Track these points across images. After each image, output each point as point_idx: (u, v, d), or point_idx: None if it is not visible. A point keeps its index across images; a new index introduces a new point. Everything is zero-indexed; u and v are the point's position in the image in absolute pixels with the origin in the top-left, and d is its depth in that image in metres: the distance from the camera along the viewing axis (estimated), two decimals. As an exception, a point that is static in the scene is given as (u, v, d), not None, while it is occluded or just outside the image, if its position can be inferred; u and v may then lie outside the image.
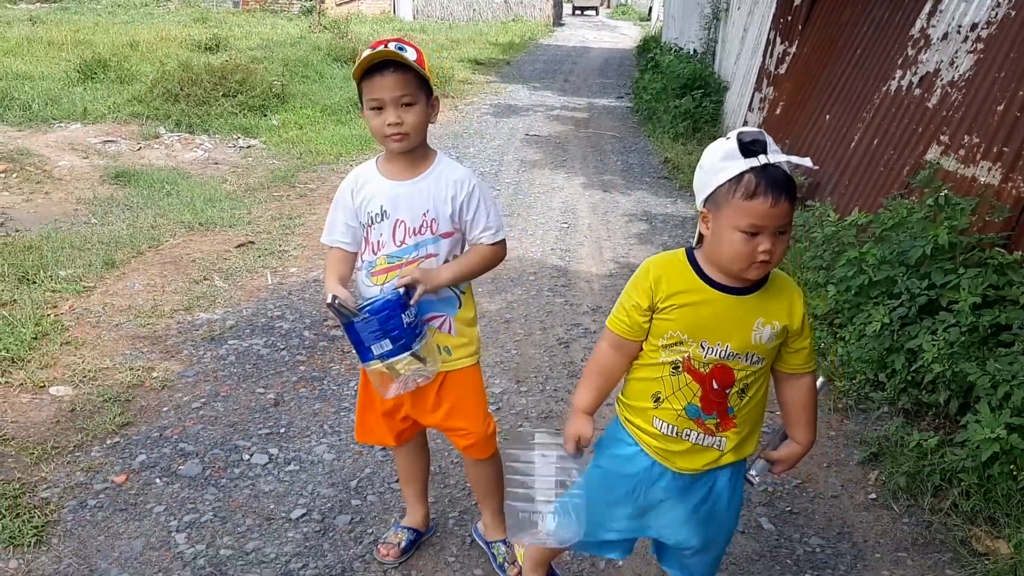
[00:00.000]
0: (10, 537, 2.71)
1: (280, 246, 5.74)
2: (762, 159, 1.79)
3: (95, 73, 11.48)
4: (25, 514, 2.82)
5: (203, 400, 3.68)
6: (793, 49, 8.74)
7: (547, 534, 2.14)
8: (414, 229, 2.37)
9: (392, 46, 2.23)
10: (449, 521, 2.93)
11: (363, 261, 2.45)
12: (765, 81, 9.25)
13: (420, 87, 2.28)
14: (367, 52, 2.23)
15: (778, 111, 8.61)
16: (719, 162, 1.86)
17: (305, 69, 13.15)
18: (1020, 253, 3.87)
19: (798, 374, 2.03)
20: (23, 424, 3.41)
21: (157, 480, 3.09)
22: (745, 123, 9.60)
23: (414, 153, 2.38)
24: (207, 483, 3.08)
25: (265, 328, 4.43)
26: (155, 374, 3.88)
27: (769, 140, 1.83)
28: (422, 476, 2.77)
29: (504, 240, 2.48)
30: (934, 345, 3.44)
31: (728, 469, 2.07)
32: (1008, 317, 3.43)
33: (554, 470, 2.19)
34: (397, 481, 3.10)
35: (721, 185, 1.83)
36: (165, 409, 3.59)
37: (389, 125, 2.26)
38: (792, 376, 2.04)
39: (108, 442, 3.32)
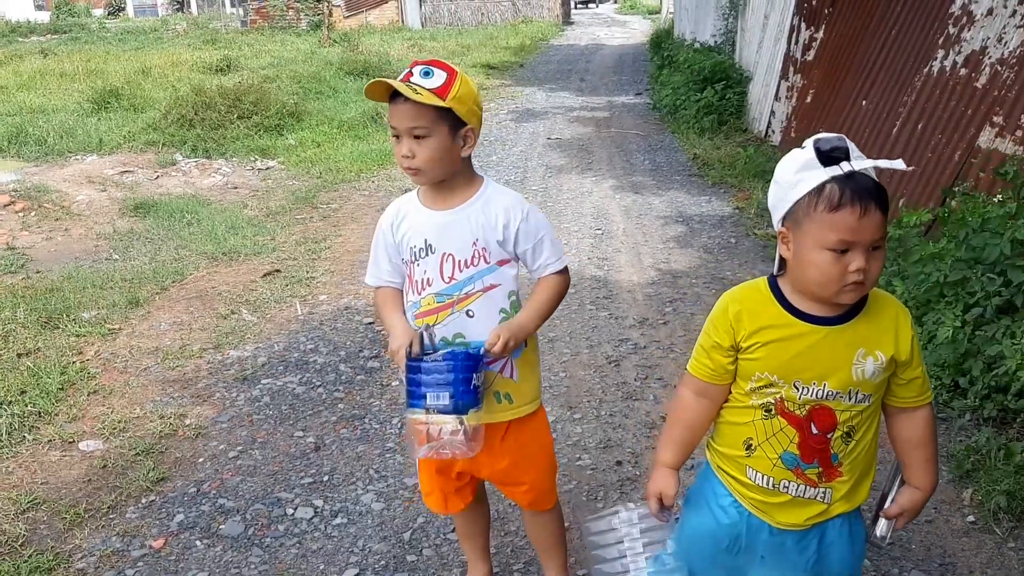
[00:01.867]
0: (45, 619, 2.52)
1: (307, 273, 5.55)
2: (845, 167, 1.57)
3: (108, 103, 11.39)
4: (60, 590, 2.63)
5: (240, 448, 3.47)
6: (820, 34, 8.46)
7: None
8: (464, 261, 2.14)
9: (417, 71, 2.02)
10: (514, 574, 2.70)
11: (407, 303, 2.23)
12: (791, 69, 8.97)
13: (438, 118, 2.03)
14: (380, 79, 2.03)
15: (808, 99, 8.34)
16: (796, 174, 1.63)
17: (318, 85, 13.01)
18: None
19: (911, 408, 1.77)
20: (54, 485, 3.22)
21: (197, 543, 2.88)
22: (772, 113, 9.33)
23: (454, 181, 2.15)
24: (251, 543, 2.87)
25: (299, 364, 4.22)
26: (188, 421, 3.69)
27: (851, 146, 1.60)
28: (483, 531, 2.54)
29: (567, 266, 2.25)
30: (1017, 351, 3.18)
31: (838, 521, 1.80)
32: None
33: (640, 537, 1.96)
34: (452, 531, 2.89)
35: (800, 199, 1.61)
36: (201, 460, 3.39)
37: (403, 157, 2.05)
38: (905, 411, 1.77)
39: (143, 501, 3.12)
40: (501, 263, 2.16)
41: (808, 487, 1.76)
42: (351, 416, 3.71)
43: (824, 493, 1.76)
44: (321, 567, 2.75)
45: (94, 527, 2.97)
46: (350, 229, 6.54)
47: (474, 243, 2.14)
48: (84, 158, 8.98)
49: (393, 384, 3.97)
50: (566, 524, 2.62)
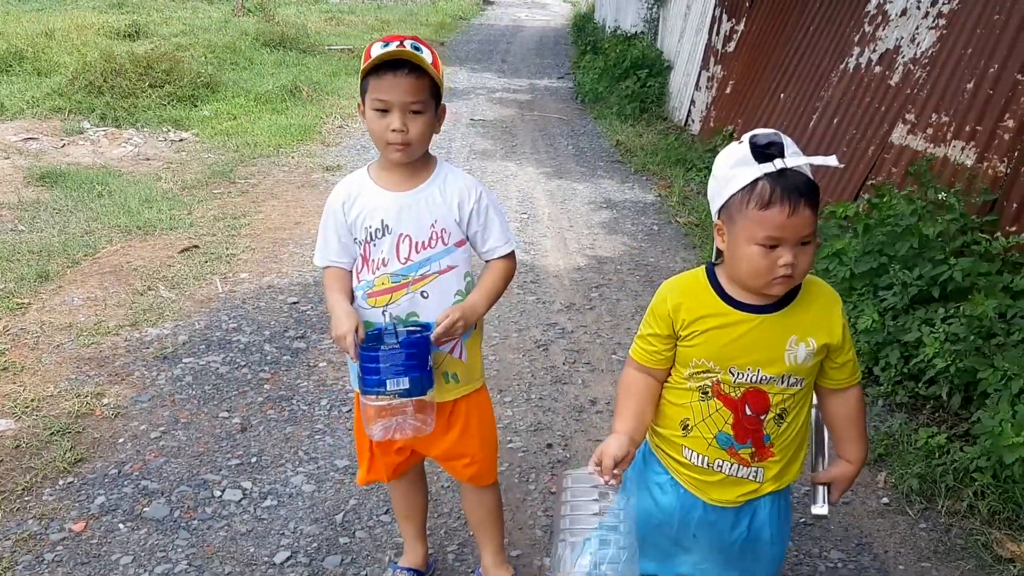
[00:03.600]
0: (-42, 606, 2.41)
1: (227, 249, 5.40)
2: (778, 163, 1.61)
3: (10, 66, 10.81)
4: (-26, 576, 2.52)
5: (162, 429, 3.37)
6: (741, 27, 8.64)
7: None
8: (421, 243, 2.13)
9: (409, 44, 1.99)
10: (449, 556, 2.71)
11: (358, 281, 2.20)
12: (712, 60, 9.14)
13: (432, 95, 2.05)
14: (380, 46, 1.99)
15: (728, 90, 8.51)
16: (730, 169, 1.68)
17: (233, 55, 12.62)
18: (1005, 239, 3.78)
19: (844, 388, 1.85)
20: (-38, 467, 3.08)
21: (120, 525, 2.79)
22: (692, 103, 9.50)
23: (415, 161, 2.14)
24: (177, 526, 2.80)
25: (222, 343, 4.12)
26: (106, 400, 3.56)
27: (787, 142, 1.64)
28: (421, 511, 2.54)
29: (514, 251, 2.26)
30: (935, 339, 3.33)
31: (768, 499, 1.87)
32: (1006, 307, 3.34)
33: (591, 502, 1.97)
34: (386, 513, 2.88)
35: (734, 195, 1.66)
36: (121, 441, 3.29)
37: (393, 131, 2.02)
38: (837, 391, 1.86)
39: (61, 483, 3.01)
40: (458, 244, 2.17)
41: (741, 466, 1.82)
42: (278, 397, 3.64)
43: (756, 472, 1.82)
44: (252, 550, 2.70)
45: (8, 510, 2.85)
46: (270, 205, 6.39)
47: (432, 225, 2.14)
48: (-17, 123, 8.52)
49: (320, 365, 3.91)
50: (503, 502, 2.63)
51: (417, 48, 2.02)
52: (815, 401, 1.91)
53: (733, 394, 1.77)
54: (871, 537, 2.86)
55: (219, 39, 13.82)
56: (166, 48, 11.58)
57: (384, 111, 2.04)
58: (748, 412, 1.78)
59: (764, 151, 1.62)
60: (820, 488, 1.92)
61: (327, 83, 11.34)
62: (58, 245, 5.29)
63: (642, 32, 12.71)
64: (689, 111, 9.55)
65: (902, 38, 5.66)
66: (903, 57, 5.58)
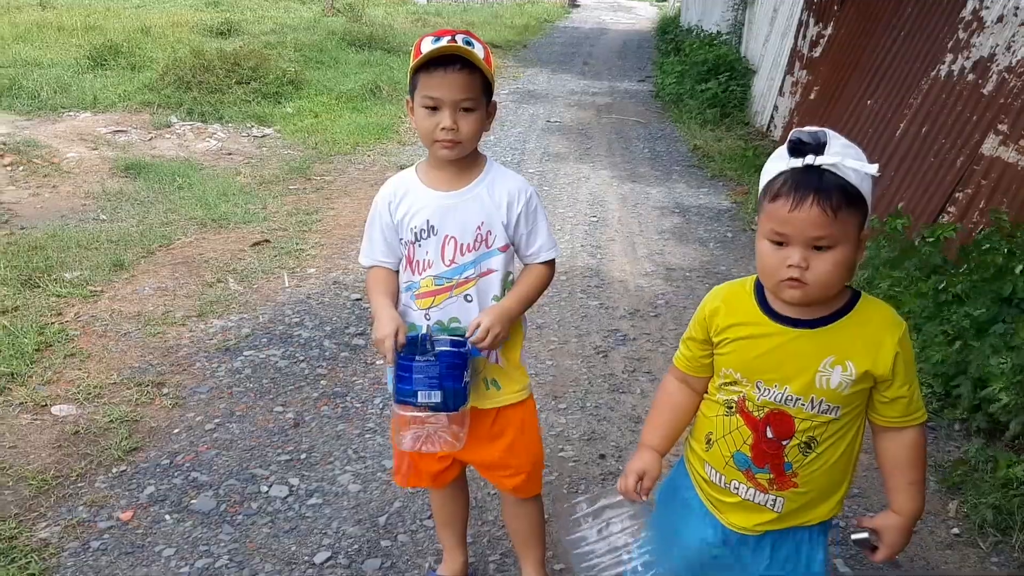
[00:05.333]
0: (5, 588, 2.46)
1: (297, 244, 5.46)
2: (808, 160, 1.50)
3: (106, 60, 11.21)
4: (22, 559, 2.56)
5: (217, 420, 3.40)
6: (828, 31, 8.37)
7: None
8: (467, 245, 2.08)
9: (460, 39, 1.94)
10: (490, 566, 2.64)
11: (405, 282, 2.16)
12: (797, 64, 8.88)
13: (483, 91, 2.00)
14: (430, 41, 1.94)
15: (812, 96, 8.25)
16: (771, 163, 1.60)
17: (320, 54, 12.82)
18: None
19: (895, 428, 1.67)
20: (22, 450, 3.15)
21: (167, 516, 2.82)
22: (775, 108, 9.25)
23: (463, 160, 2.09)
24: (222, 520, 2.81)
25: (283, 337, 4.15)
26: (165, 390, 3.62)
27: (832, 140, 1.51)
28: (462, 519, 2.48)
29: (555, 259, 2.19)
30: (1002, 372, 3.11)
31: (791, 538, 1.74)
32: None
33: (620, 528, 1.90)
34: (429, 517, 2.83)
35: (764, 187, 1.58)
36: (176, 431, 3.32)
37: (443, 129, 1.97)
38: (889, 431, 1.68)
39: (114, 471, 3.05)
40: (502, 249, 2.12)
41: (758, 492, 1.71)
42: (333, 393, 3.64)
43: (775, 501, 1.70)
44: (292, 548, 2.69)
45: (61, 495, 2.90)
46: (343, 203, 6.44)
47: (478, 227, 2.08)
48: (77, 115, 8.82)
49: (377, 363, 3.90)
50: (545, 516, 2.56)
51: (469, 43, 1.97)
52: None
53: (756, 414, 1.67)
54: (937, 569, 2.69)
55: (307, 38, 14.07)
56: (255, 46, 11.84)
57: (434, 108, 1.99)
58: (769, 435, 1.67)
59: (796, 146, 1.52)
60: (865, 533, 1.74)
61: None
62: (136, 235, 5.42)
63: (726, 35, 12.46)
64: (772, 116, 9.31)
65: (997, 45, 5.38)
66: (998, 65, 5.30)
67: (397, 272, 2.19)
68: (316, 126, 8.99)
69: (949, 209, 4.97)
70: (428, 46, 1.96)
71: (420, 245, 2.10)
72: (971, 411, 3.39)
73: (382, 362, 3.81)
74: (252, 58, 10.51)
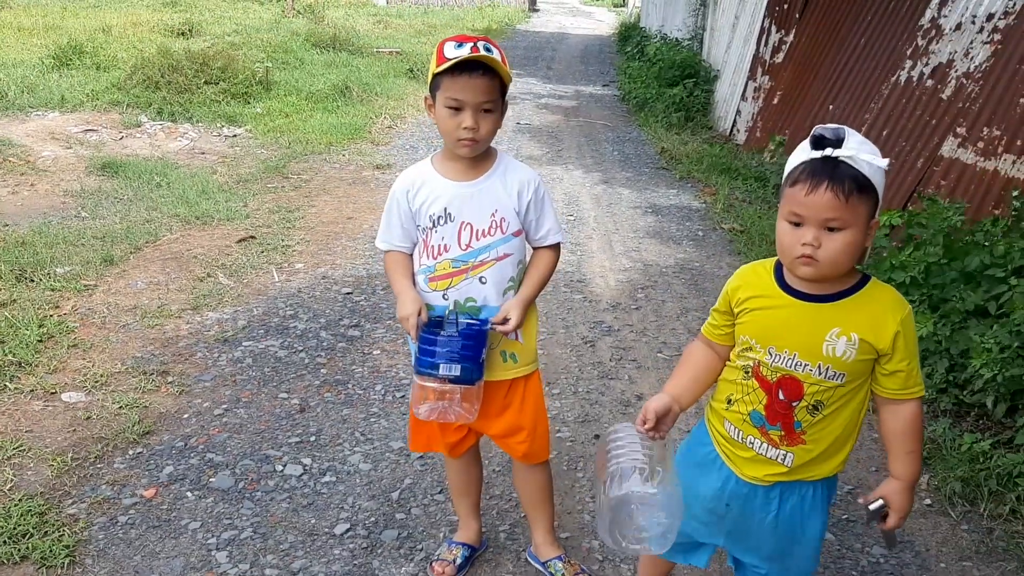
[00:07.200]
0: (42, 558, 2.55)
1: (282, 241, 5.56)
2: (829, 152, 1.69)
3: (70, 60, 11.13)
4: (54, 532, 2.66)
5: (225, 406, 3.52)
6: (790, 38, 8.68)
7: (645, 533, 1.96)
8: (482, 231, 2.26)
9: (481, 47, 2.11)
10: (500, 535, 2.81)
11: (420, 266, 2.33)
12: (760, 70, 9.18)
13: (501, 94, 2.19)
14: (453, 46, 2.10)
15: (775, 101, 8.55)
16: (794, 155, 1.79)
17: (285, 55, 12.87)
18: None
19: (895, 400, 1.84)
20: (38, 434, 3.24)
21: (188, 494, 2.93)
22: (738, 113, 9.54)
23: (480, 153, 2.27)
24: (241, 496, 2.93)
25: (279, 329, 4.26)
26: (170, 378, 3.71)
27: (850, 137, 1.70)
28: (476, 489, 2.65)
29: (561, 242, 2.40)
30: (984, 349, 3.35)
31: (798, 491, 1.93)
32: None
33: (638, 443, 2.03)
34: (440, 492, 2.99)
35: (786, 175, 1.78)
36: (186, 416, 3.43)
37: (465, 129, 2.15)
38: (889, 401, 1.85)
39: (131, 452, 3.16)
40: (515, 234, 2.29)
41: (770, 446, 1.89)
42: (334, 381, 3.77)
43: (785, 456, 1.88)
44: (312, 521, 2.82)
45: (82, 475, 3.00)
46: (323, 200, 6.54)
47: (492, 214, 2.26)
48: (46, 114, 8.78)
49: (375, 353, 4.04)
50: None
51: (488, 49, 2.14)
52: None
53: (770, 377, 1.86)
54: (913, 535, 2.91)
55: (271, 39, 14.09)
56: (221, 46, 11.85)
57: (457, 109, 2.16)
58: (781, 397, 1.86)
59: (818, 140, 1.71)
60: (877, 502, 1.90)
61: (376, 84, 11.51)
62: (120, 232, 5.47)
63: (688, 41, 12.76)
64: (734, 121, 9.60)
65: (955, 52, 5.68)
66: (956, 71, 5.61)
67: (411, 255, 2.35)
68: (288, 126, 9.06)
69: (910, 207, 5.23)
70: (451, 51, 2.12)
71: (436, 231, 2.27)
72: (939, 392, 3.63)
73: (379, 352, 3.98)
74: (220, 58, 10.52)
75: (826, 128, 1.71)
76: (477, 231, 2.26)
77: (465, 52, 2.10)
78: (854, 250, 1.73)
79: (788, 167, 1.78)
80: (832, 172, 1.68)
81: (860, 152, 1.69)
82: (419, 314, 2.21)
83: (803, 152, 1.74)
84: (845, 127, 1.71)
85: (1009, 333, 3.34)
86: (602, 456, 1.93)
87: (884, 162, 1.71)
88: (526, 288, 2.32)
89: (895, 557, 2.80)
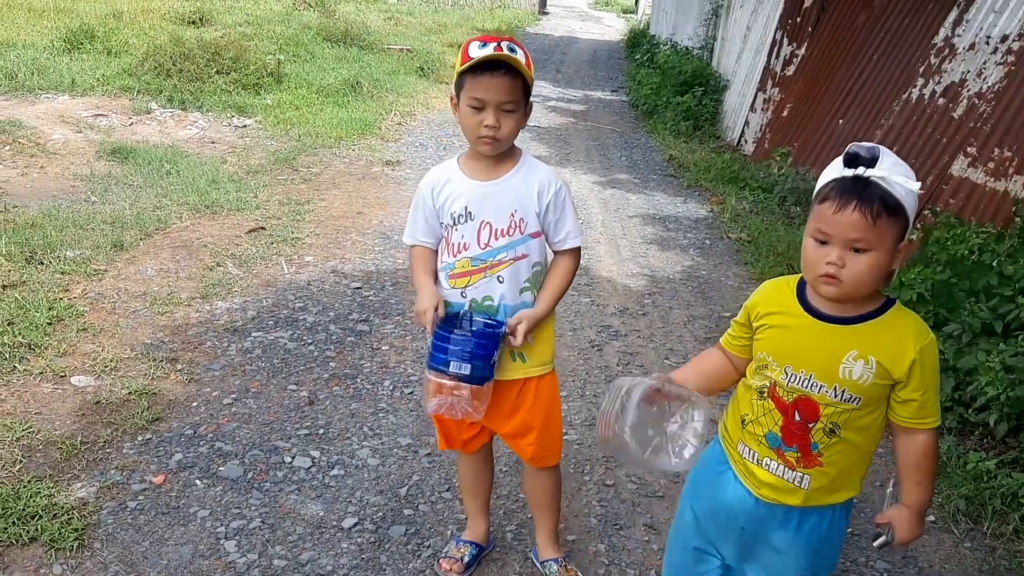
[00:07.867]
0: (51, 540, 2.56)
1: (292, 233, 5.57)
2: (861, 171, 1.68)
3: (81, 43, 11.11)
4: (63, 515, 2.67)
5: (234, 396, 3.53)
6: (802, 51, 8.70)
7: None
8: (501, 231, 2.28)
9: (505, 46, 2.13)
10: (507, 535, 2.82)
11: (442, 263, 2.35)
12: (770, 82, 9.20)
13: (524, 93, 2.20)
14: (477, 46, 2.12)
15: (785, 113, 8.57)
16: (826, 171, 1.78)
17: (296, 48, 12.86)
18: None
19: (909, 429, 1.82)
20: (47, 416, 3.25)
21: (197, 482, 2.95)
22: (747, 123, 9.56)
23: (501, 153, 2.28)
24: (250, 486, 2.95)
25: (289, 320, 4.27)
26: (179, 366, 3.73)
27: (884, 156, 1.68)
28: (487, 488, 2.67)
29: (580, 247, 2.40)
30: (991, 369, 3.37)
31: (815, 514, 1.92)
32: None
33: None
34: (448, 490, 3.01)
35: (816, 192, 1.77)
36: (195, 404, 3.44)
37: (486, 127, 2.17)
38: (903, 430, 1.83)
39: (140, 438, 3.17)
40: (534, 235, 2.31)
41: (787, 468, 1.87)
42: (343, 375, 3.78)
43: (802, 478, 1.87)
44: (321, 514, 2.83)
45: (91, 459, 3.01)
46: (333, 195, 6.56)
47: (512, 214, 2.28)
48: (55, 97, 8.79)
49: (383, 348, 4.05)
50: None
51: (512, 50, 2.16)
52: None
53: (786, 398, 1.84)
54: (916, 552, 2.93)
55: (283, 31, 14.09)
56: (234, 36, 11.86)
57: (479, 108, 2.17)
58: (797, 418, 1.84)
59: (853, 158, 1.69)
60: (884, 527, 1.92)
61: (386, 81, 11.52)
62: (130, 218, 5.48)
63: (698, 50, 12.79)
64: (743, 131, 9.62)
65: (968, 72, 5.71)
66: (968, 91, 5.64)
67: (436, 251, 2.37)
68: (298, 118, 9.06)
69: (918, 226, 5.25)
70: (476, 51, 2.15)
71: (456, 229, 2.30)
72: (944, 410, 3.65)
73: (387, 348, 4.00)
74: (232, 48, 10.53)
75: (861, 146, 1.69)
76: (496, 230, 2.28)
77: (488, 51, 2.12)
78: (878, 272, 1.71)
79: (819, 183, 1.77)
80: (862, 192, 1.65)
81: (893, 173, 1.66)
82: (436, 309, 2.23)
83: (835, 169, 1.73)
84: (881, 146, 1.70)
85: (1015, 354, 3.36)
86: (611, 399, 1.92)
87: (917, 185, 1.69)
88: (541, 302, 2.33)
89: (899, 572, 2.82)
